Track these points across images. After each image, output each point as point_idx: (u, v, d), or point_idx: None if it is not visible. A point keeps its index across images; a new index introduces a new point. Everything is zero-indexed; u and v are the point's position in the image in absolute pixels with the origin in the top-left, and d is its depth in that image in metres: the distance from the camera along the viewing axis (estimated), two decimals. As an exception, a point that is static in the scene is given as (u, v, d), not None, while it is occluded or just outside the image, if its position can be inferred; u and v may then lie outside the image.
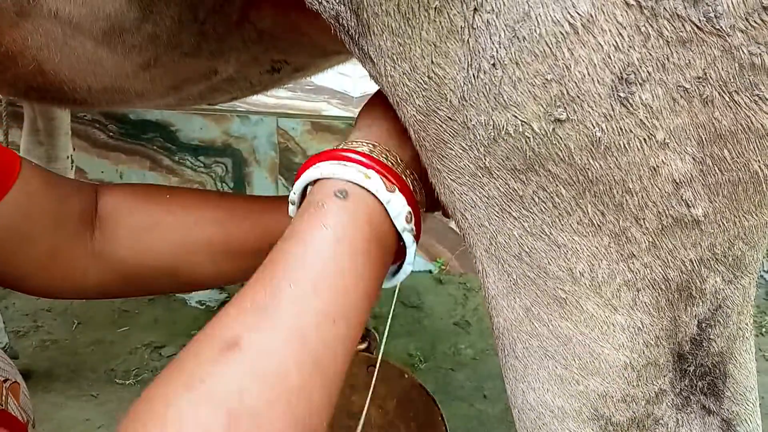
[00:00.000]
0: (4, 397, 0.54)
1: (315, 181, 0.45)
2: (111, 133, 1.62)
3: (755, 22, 0.32)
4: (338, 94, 1.58)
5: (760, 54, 0.32)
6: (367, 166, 0.43)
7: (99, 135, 1.63)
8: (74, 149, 1.45)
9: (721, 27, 0.32)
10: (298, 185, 0.46)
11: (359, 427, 0.78)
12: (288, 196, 0.63)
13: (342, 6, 0.39)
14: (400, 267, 0.48)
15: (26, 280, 0.60)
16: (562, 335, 0.41)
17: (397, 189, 0.44)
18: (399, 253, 0.47)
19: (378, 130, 0.47)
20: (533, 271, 0.40)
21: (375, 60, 0.39)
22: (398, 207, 0.44)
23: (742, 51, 0.32)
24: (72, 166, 1.43)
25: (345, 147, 0.45)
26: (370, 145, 0.45)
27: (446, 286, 1.77)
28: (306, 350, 0.37)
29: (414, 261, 0.47)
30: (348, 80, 1.58)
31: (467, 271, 1.78)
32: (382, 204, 0.43)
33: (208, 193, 0.70)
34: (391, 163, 0.44)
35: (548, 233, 0.38)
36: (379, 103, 0.49)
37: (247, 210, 0.65)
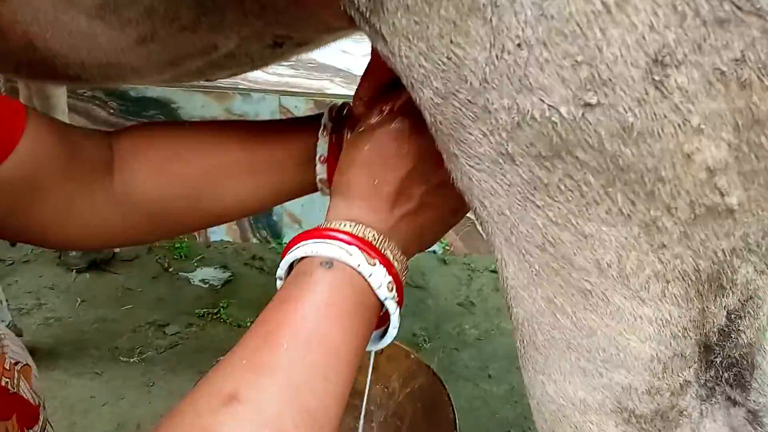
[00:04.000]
0: (16, 381, 0.53)
1: (301, 258, 0.48)
2: (111, 110, 1.59)
3: (801, -2, 0.30)
4: (341, 72, 1.55)
5: (804, 34, 0.30)
6: (349, 243, 0.47)
7: (99, 112, 1.60)
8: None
9: (762, 6, 0.30)
10: (285, 262, 0.49)
11: (362, 407, 0.77)
12: (306, 118, 0.65)
13: (354, -19, 0.37)
14: (385, 331, 0.51)
15: (47, 233, 0.60)
16: (586, 327, 0.40)
17: (377, 261, 0.47)
18: (383, 318, 0.50)
19: (356, 206, 0.50)
20: (557, 261, 0.38)
21: (388, 39, 0.37)
22: (379, 278, 0.47)
23: (786, 30, 0.30)
24: (71, 144, 1.41)
25: (328, 226, 0.49)
26: (350, 224, 0.48)
27: (450, 267, 1.76)
28: (300, 404, 0.40)
29: (398, 325, 0.50)
30: (351, 58, 1.55)
31: (471, 251, 1.77)
32: (364, 277, 0.46)
33: (226, 121, 0.70)
34: (371, 238, 0.48)
35: (574, 223, 0.36)
36: (354, 170, 0.51)
37: (269, 129, 0.66)
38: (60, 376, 1.43)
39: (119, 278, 1.74)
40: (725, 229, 0.36)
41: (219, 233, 1.82)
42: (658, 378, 0.42)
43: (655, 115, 0.32)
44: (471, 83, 0.35)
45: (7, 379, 0.56)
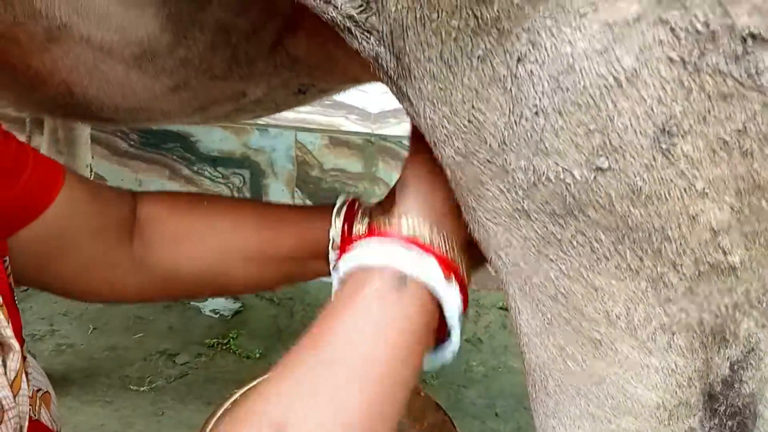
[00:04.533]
0: (37, 407, 0.55)
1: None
2: (132, 142, 1.63)
3: (798, 76, 0.32)
4: (356, 110, 1.59)
5: (801, 108, 0.33)
6: (426, 251, 0.42)
7: (120, 143, 1.64)
8: (93, 157, 1.46)
9: (762, 83, 0.32)
10: (345, 265, 0.45)
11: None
12: (321, 206, 0.65)
13: (382, 48, 0.40)
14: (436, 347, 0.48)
15: (70, 286, 0.62)
16: (596, 375, 0.42)
17: (453, 278, 0.43)
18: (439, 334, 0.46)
19: (431, 210, 0.46)
20: (568, 312, 0.40)
21: (414, 101, 0.40)
22: (452, 299, 0.43)
23: (784, 105, 0.33)
24: (91, 175, 1.45)
25: (399, 226, 0.44)
26: (427, 227, 0.44)
27: (459, 301, 1.77)
28: None
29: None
30: (366, 96, 1.59)
31: (479, 288, 1.78)
32: (437, 295, 0.43)
33: (244, 201, 0.72)
34: (448, 250, 0.44)
35: (585, 276, 0.39)
36: (426, 172, 0.47)
37: (283, 218, 0.66)
38: (71, 402, 1.45)
39: (131, 307, 1.76)
40: (728, 286, 0.38)
41: (231, 264, 1.84)
42: (664, 425, 0.43)
43: (662, 179, 0.35)
44: (490, 145, 0.37)
45: (30, 407, 0.58)
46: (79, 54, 0.61)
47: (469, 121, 0.37)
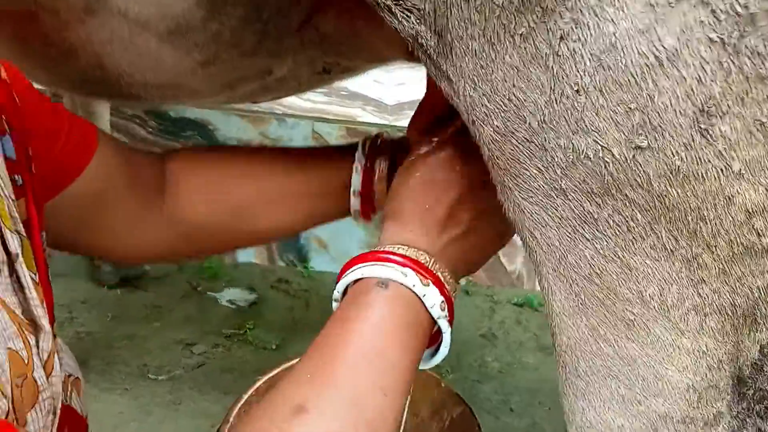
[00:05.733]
0: (69, 393, 0.56)
1: (356, 280, 0.50)
2: (150, 129, 1.65)
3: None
4: (373, 101, 1.60)
5: (838, 91, 0.33)
6: (403, 265, 0.49)
7: (138, 130, 1.66)
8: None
9: (800, 64, 0.33)
10: (341, 284, 0.51)
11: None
12: (346, 145, 0.69)
13: (423, 26, 0.40)
14: (436, 350, 0.53)
15: (108, 247, 0.65)
16: (628, 356, 0.42)
17: (431, 282, 0.49)
18: (434, 337, 0.52)
19: (408, 230, 0.52)
20: (602, 292, 0.41)
21: (453, 80, 0.41)
22: (433, 298, 0.49)
23: (821, 87, 0.33)
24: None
25: (382, 249, 0.51)
26: (404, 247, 0.51)
27: (473, 298, 1.78)
28: (362, 416, 0.43)
29: (449, 344, 0.52)
30: (382, 87, 1.59)
31: (494, 283, 1.79)
32: (418, 297, 0.49)
33: (268, 148, 0.75)
34: (424, 260, 0.50)
35: (621, 256, 0.39)
36: (404, 197, 0.54)
37: (308, 157, 0.70)
38: (90, 390, 1.45)
39: (149, 295, 1.78)
40: (761, 268, 0.38)
41: (247, 255, 1.86)
42: (694, 407, 0.44)
43: (700, 159, 0.35)
44: (530, 123, 0.38)
45: (62, 391, 0.59)
46: (114, 27, 0.62)
47: (509, 99, 0.38)
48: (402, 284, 0.48)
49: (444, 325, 0.50)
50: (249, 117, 1.62)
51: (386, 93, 1.61)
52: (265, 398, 0.45)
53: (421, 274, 0.49)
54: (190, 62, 0.66)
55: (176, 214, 0.66)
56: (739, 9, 0.32)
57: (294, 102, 1.63)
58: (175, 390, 1.50)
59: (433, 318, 0.49)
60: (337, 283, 0.52)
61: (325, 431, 0.42)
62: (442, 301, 0.49)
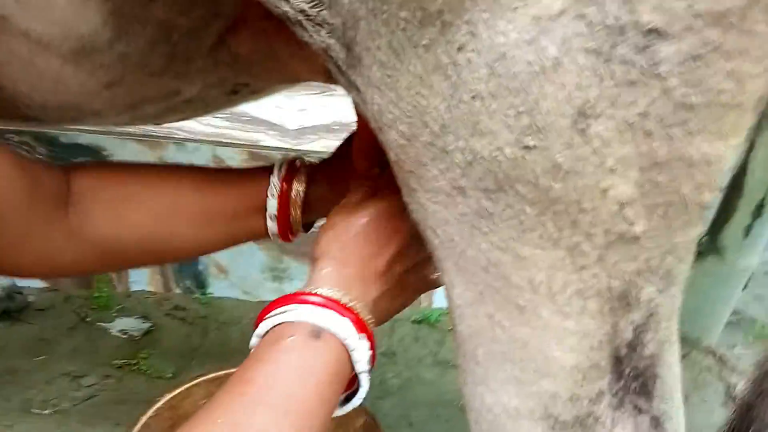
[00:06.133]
0: None
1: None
2: (39, 156, 1.58)
3: (688, 68, 0.39)
4: (275, 126, 1.61)
5: (690, 95, 0.39)
6: (342, 315, 0.49)
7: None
8: (-2, 170, 1.40)
9: (661, 72, 0.39)
10: (269, 323, 0.50)
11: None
12: (261, 167, 0.68)
13: (333, 40, 0.44)
14: (347, 398, 0.54)
15: (1, 261, 0.60)
16: (520, 340, 0.46)
17: (365, 336, 0.50)
18: (349, 385, 0.53)
19: (350, 273, 0.52)
20: (498, 281, 0.45)
21: (361, 89, 0.44)
22: (362, 353, 0.50)
23: (677, 92, 0.39)
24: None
25: (318, 293, 0.50)
26: (340, 292, 0.50)
27: (373, 317, 1.80)
28: None
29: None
30: (284, 113, 1.61)
31: (394, 301, 1.83)
32: (347, 349, 0.49)
33: (183, 166, 0.74)
34: (360, 310, 0.50)
35: (513, 247, 0.44)
36: (350, 240, 0.54)
37: (222, 178, 0.69)
38: (-33, 428, 1.36)
39: (33, 328, 1.68)
40: (632, 254, 0.44)
41: (140, 283, 1.80)
42: (579, 386, 0.49)
43: (578, 156, 0.40)
44: (432, 128, 0.42)
45: None
46: (14, 47, 0.61)
47: (413, 106, 0.42)
48: (335, 335, 0.48)
49: (364, 379, 0.51)
50: (146, 142, 1.58)
51: (288, 118, 1.63)
52: None
53: (357, 326, 0.49)
54: (94, 83, 0.65)
55: (81, 230, 0.64)
56: (610, 21, 0.38)
57: (194, 127, 1.62)
58: (63, 424, 1.42)
59: (356, 372, 0.50)
60: (263, 319, 0.50)
61: None
62: (370, 356, 0.50)
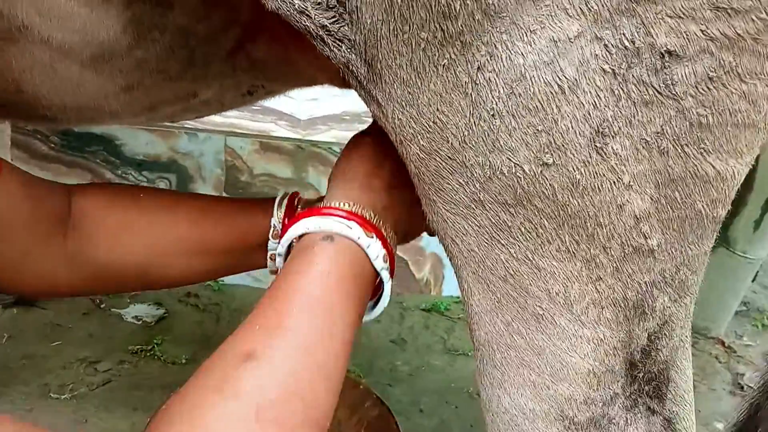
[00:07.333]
0: None
1: (302, 235, 0.52)
2: (52, 145, 1.58)
3: (702, 89, 0.39)
4: (285, 116, 1.62)
5: (705, 115, 0.40)
6: (348, 219, 0.52)
7: (40, 146, 1.59)
8: (12, 160, 1.42)
9: (676, 92, 0.39)
10: (286, 239, 0.54)
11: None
12: (259, 199, 0.69)
13: (354, 55, 0.44)
14: (377, 302, 0.57)
15: (1, 278, 0.61)
16: (538, 347, 0.48)
17: (374, 236, 0.52)
18: (375, 290, 0.55)
19: (354, 188, 0.55)
20: (516, 290, 0.46)
21: (382, 103, 0.45)
22: (376, 250, 0.52)
23: (692, 112, 0.40)
24: (10, 178, 1.40)
25: (328, 205, 0.53)
26: (348, 203, 0.53)
27: (383, 306, 1.82)
28: (311, 359, 0.45)
29: (389, 295, 0.56)
30: (295, 103, 1.62)
31: (403, 291, 1.85)
32: (362, 248, 0.51)
33: (181, 194, 0.74)
34: (368, 215, 0.53)
35: (531, 258, 0.45)
36: (354, 159, 0.57)
37: (221, 211, 0.69)
38: (-13, 413, 1.39)
39: (48, 314, 1.71)
40: (647, 266, 0.45)
41: (153, 270, 1.82)
42: (594, 390, 0.50)
43: (596, 173, 0.41)
44: (452, 143, 0.43)
45: None
46: (35, 54, 0.62)
47: (433, 122, 0.43)
48: (346, 237, 0.50)
49: (386, 275, 0.53)
50: (158, 131, 1.59)
51: (299, 108, 1.63)
52: (215, 351, 0.45)
53: (365, 228, 0.51)
54: (113, 87, 0.66)
55: (79, 253, 0.64)
56: (626, 43, 0.38)
57: (205, 117, 1.62)
58: (80, 408, 1.45)
59: (375, 269, 0.52)
60: (280, 238, 0.53)
61: (275, 376, 0.43)
62: (385, 254, 0.52)
